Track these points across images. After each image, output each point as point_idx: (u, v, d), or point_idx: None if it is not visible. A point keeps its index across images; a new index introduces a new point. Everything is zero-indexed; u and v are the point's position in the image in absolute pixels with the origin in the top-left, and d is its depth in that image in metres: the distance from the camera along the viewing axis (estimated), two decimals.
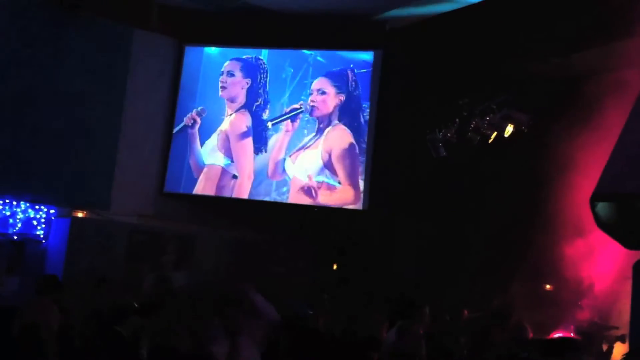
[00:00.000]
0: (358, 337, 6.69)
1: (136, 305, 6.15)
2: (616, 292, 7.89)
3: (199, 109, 10.49)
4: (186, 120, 10.52)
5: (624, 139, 6.83)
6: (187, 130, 10.50)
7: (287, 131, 10.19)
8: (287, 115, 10.18)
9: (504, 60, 8.61)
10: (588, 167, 7.45)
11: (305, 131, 10.18)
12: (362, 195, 9.76)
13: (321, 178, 9.95)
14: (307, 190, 9.96)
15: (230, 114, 10.43)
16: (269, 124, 10.21)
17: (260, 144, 10.28)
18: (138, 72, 10.17)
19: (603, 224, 6.72)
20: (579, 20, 7.70)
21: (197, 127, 10.47)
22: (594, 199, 6.64)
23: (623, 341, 7.37)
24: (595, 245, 7.86)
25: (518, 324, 6.97)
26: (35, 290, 6.88)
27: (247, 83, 10.46)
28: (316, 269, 10.37)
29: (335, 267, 10.43)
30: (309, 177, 9.96)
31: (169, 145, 10.47)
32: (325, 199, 9.90)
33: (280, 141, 10.22)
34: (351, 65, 10.14)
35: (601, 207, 6.62)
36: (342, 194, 9.84)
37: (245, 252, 10.32)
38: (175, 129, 10.52)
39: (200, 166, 10.44)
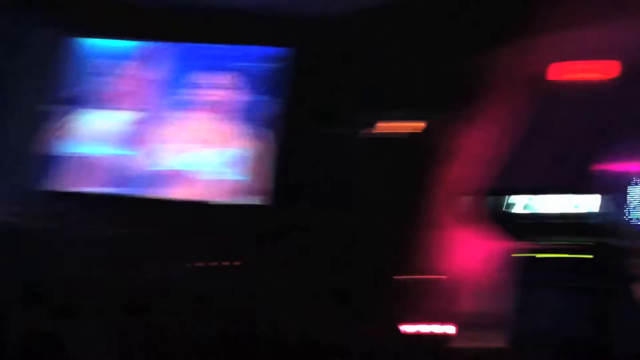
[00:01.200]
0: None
1: None
2: (498, 281, 8.33)
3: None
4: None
5: (515, 138, 7.39)
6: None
7: (185, 118, 9.76)
8: (194, 103, 9.72)
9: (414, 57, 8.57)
10: (468, 162, 7.80)
11: (202, 124, 9.96)
12: (267, 190, 9.74)
13: (220, 173, 9.85)
14: (205, 185, 9.90)
15: (122, 110, 9.78)
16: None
17: (153, 135, 9.85)
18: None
19: (487, 216, 7.23)
20: (488, 18, 7.85)
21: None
22: (483, 192, 7.12)
23: (507, 328, 7.78)
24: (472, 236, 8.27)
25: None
26: None
27: (138, 81, 10.23)
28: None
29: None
30: (205, 172, 9.91)
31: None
32: (223, 193, 9.86)
33: (173, 131, 9.79)
34: (257, 61, 10.15)
35: (490, 200, 7.12)
36: (246, 189, 9.86)
37: (126, 249, 10.05)
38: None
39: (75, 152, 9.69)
